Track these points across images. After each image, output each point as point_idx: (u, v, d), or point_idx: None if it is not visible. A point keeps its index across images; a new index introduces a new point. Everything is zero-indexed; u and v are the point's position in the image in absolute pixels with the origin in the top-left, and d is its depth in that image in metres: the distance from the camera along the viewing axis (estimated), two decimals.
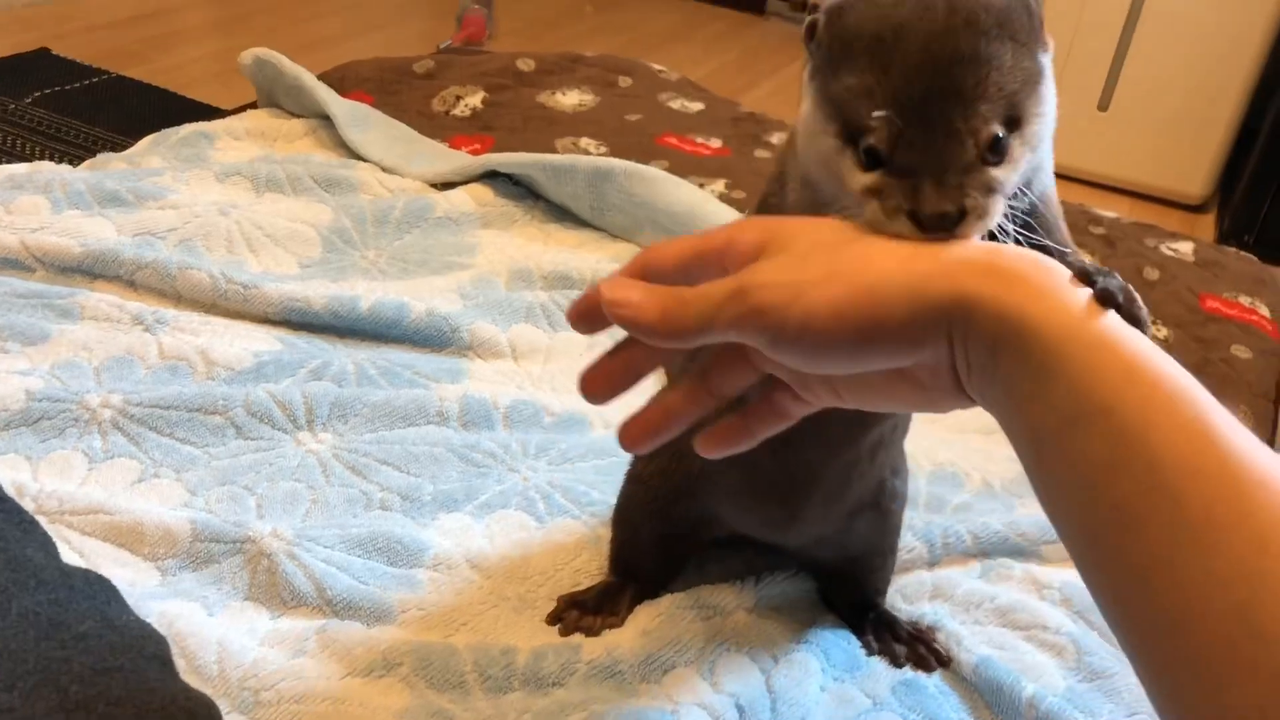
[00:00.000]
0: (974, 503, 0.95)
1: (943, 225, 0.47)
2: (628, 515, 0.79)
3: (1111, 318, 0.44)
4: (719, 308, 0.46)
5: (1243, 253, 1.60)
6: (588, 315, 0.51)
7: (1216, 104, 2.22)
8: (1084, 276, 0.45)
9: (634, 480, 0.77)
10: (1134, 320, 0.45)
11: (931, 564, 0.87)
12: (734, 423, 0.54)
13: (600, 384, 0.52)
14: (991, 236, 0.49)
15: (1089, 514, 0.41)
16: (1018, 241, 0.49)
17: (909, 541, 0.86)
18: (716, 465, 0.69)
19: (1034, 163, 0.52)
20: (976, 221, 0.48)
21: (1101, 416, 0.41)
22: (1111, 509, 0.40)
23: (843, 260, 0.46)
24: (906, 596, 0.82)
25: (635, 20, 2.91)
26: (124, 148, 1.47)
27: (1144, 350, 0.42)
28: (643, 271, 0.50)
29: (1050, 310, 0.43)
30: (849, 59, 0.49)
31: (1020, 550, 0.88)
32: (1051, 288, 0.44)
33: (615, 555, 0.80)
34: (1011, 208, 0.50)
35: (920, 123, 0.47)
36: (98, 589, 0.55)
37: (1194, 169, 2.30)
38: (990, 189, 0.48)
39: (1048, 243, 0.52)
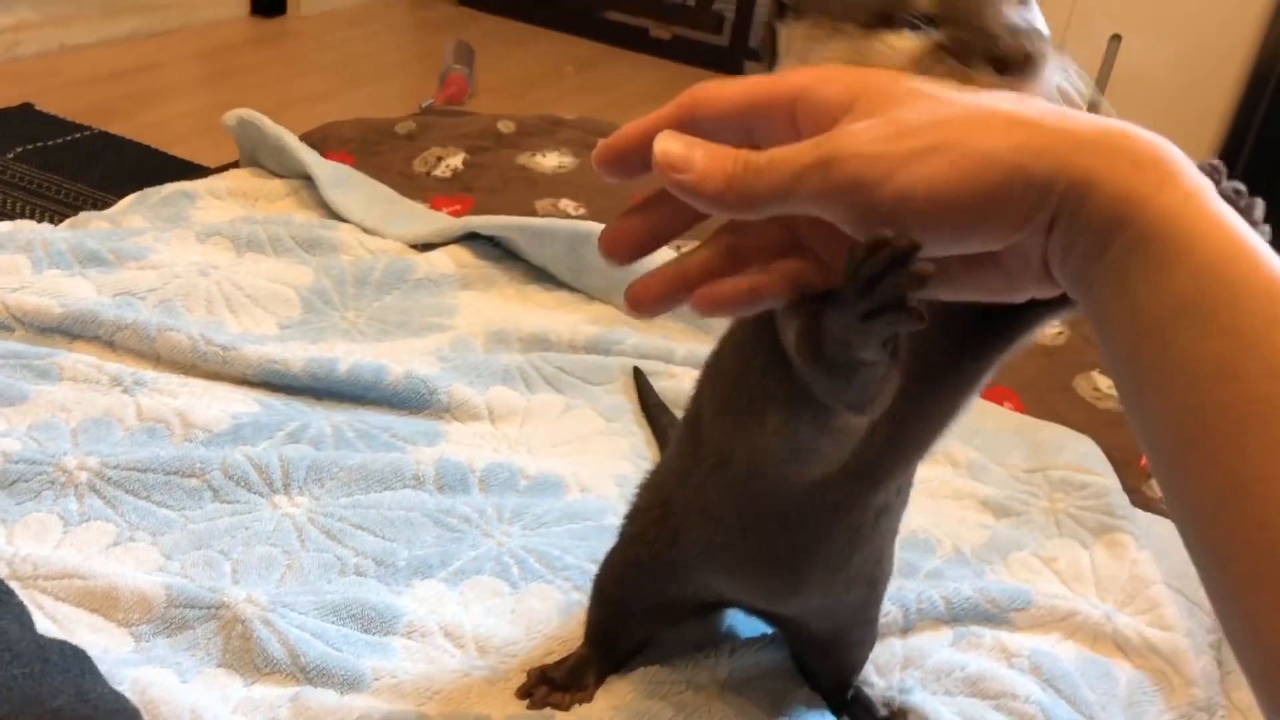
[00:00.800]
0: (945, 569, 0.96)
1: (1025, 67, 0.46)
2: (615, 591, 0.78)
3: (1243, 223, 0.40)
4: (798, 178, 0.40)
5: None
6: (621, 160, 0.45)
7: (1202, 119, 2.26)
8: (1210, 172, 0.43)
9: (625, 562, 0.76)
10: (1254, 210, 0.43)
11: (905, 630, 0.87)
12: (742, 284, 0.46)
13: (622, 244, 0.46)
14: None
15: (1190, 414, 0.37)
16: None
17: (884, 607, 0.86)
18: (718, 541, 0.69)
19: None
20: (1044, 64, 0.46)
21: (1223, 310, 0.37)
22: (1218, 411, 0.36)
23: (945, 132, 0.40)
24: (880, 668, 0.83)
25: (614, 81, 2.95)
26: (106, 204, 1.48)
27: (1276, 261, 0.38)
28: (691, 118, 0.43)
29: (1184, 197, 0.39)
30: None
31: (990, 617, 0.89)
32: (1186, 176, 0.40)
33: (593, 628, 0.80)
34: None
35: None
36: (72, 661, 0.55)
37: None
38: (1037, 33, 0.47)
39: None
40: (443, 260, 1.31)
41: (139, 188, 1.42)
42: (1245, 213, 0.43)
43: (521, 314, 1.26)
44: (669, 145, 0.41)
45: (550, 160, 1.68)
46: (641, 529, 0.75)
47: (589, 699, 0.76)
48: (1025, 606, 0.90)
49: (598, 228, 1.32)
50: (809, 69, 0.45)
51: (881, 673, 0.83)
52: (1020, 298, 0.45)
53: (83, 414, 0.97)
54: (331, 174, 1.44)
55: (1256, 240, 0.38)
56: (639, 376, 1.16)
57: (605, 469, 1.03)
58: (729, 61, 3.08)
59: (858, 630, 0.78)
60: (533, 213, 1.48)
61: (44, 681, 0.51)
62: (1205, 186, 0.39)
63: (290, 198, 1.45)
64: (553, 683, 0.77)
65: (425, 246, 1.35)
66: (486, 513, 0.93)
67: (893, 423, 0.59)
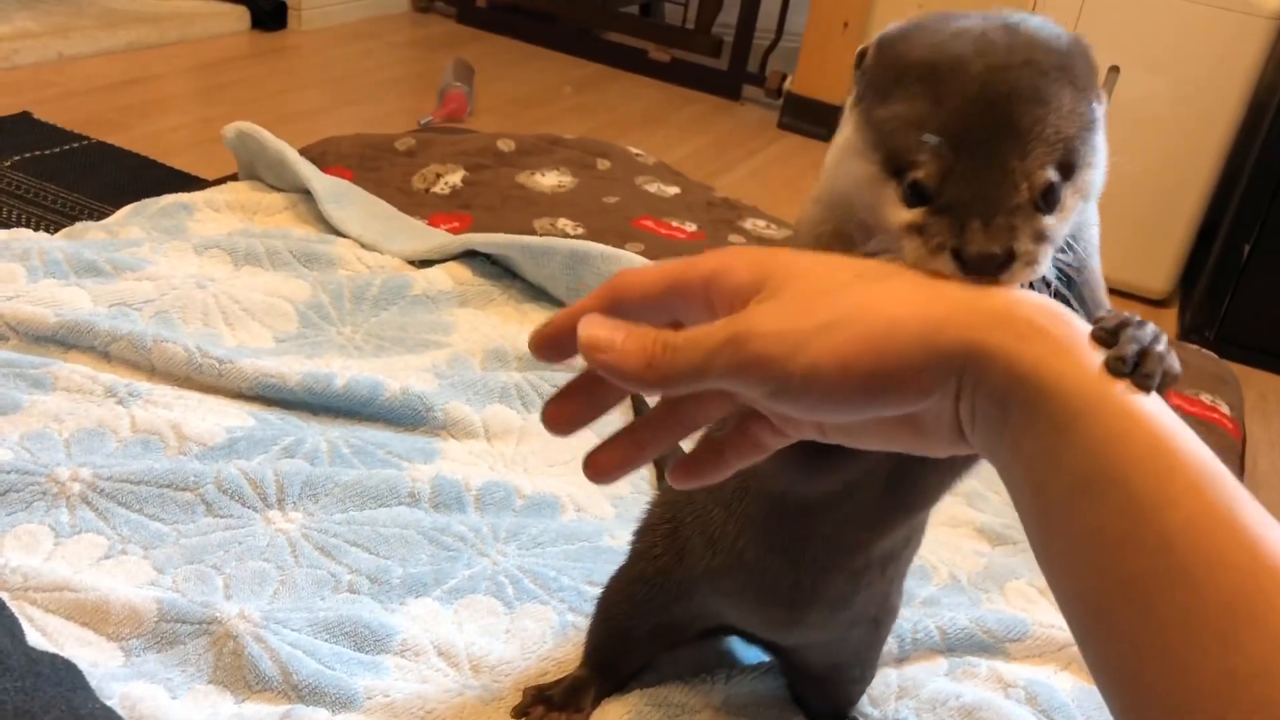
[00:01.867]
0: (941, 597, 0.95)
1: (988, 268, 0.44)
2: (618, 613, 0.77)
3: (1127, 385, 0.40)
4: (711, 356, 0.42)
5: (1204, 350, 1.63)
6: (553, 343, 0.48)
7: (1178, 201, 2.28)
8: (1103, 337, 0.42)
9: (632, 580, 0.75)
10: (1148, 378, 0.41)
11: (900, 659, 0.87)
12: (707, 453, 0.50)
13: (562, 417, 0.49)
14: (1030, 287, 0.46)
15: (1094, 588, 0.39)
16: (1059, 297, 0.46)
17: None
18: (722, 566, 0.69)
19: (1083, 216, 0.49)
20: (1024, 269, 0.45)
21: (1116, 487, 0.38)
22: (1120, 585, 0.38)
23: (848, 304, 0.42)
24: (874, 699, 0.83)
25: (613, 101, 2.96)
26: (103, 214, 1.47)
27: (1168, 424, 0.39)
28: (612, 304, 0.46)
29: (1067, 369, 0.40)
30: (900, 86, 0.47)
31: (986, 647, 0.89)
32: (1070, 344, 0.41)
33: (594, 648, 0.79)
34: (1058, 260, 0.47)
35: (972, 158, 0.45)
36: (64, 675, 0.54)
37: (1157, 265, 2.35)
38: (1041, 236, 0.45)
39: (1086, 300, 0.51)
40: (441, 277, 1.31)
41: (136, 198, 1.42)
42: (1143, 371, 0.41)
43: (519, 332, 1.25)
44: (592, 330, 0.44)
45: (549, 179, 1.68)
46: (649, 545, 0.75)
47: None
48: (1021, 636, 0.90)
49: (596, 247, 1.32)
50: (718, 253, 0.46)
51: (876, 703, 0.83)
52: (939, 454, 0.47)
53: (76, 424, 0.96)
54: (330, 189, 1.44)
55: (1150, 410, 0.39)
56: (636, 397, 1.15)
57: (602, 490, 1.03)
58: (727, 85, 3.09)
59: (857, 668, 0.77)
60: (531, 231, 1.48)
61: (35, 696, 0.50)
62: (1090, 358, 0.40)
63: (288, 211, 1.44)
64: (549, 702, 0.76)
65: (423, 263, 1.35)
66: (482, 531, 0.93)
67: (895, 473, 0.59)
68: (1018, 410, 0.40)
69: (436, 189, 1.60)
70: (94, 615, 0.77)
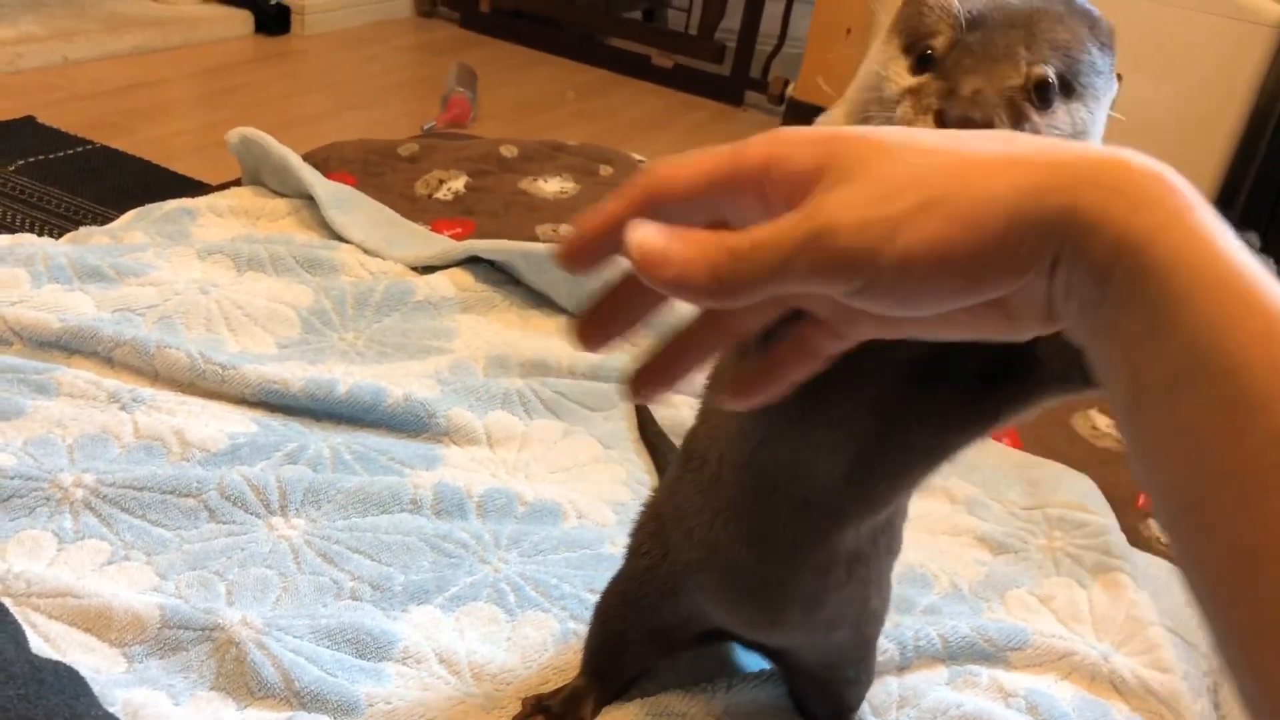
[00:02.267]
0: (942, 605, 0.95)
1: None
2: (613, 616, 0.78)
3: (1256, 267, 0.36)
4: (789, 259, 0.37)
5: None
6: (586, 254, 0.42)
7: (1202, 158, 2.29)
8: None
9: (624, 578, 0.76)
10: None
11: (901, 668, 0.87)
12: (759, 367, 0.46)
13: (596, 332, 0.45)
14: None
15: (1190, 479, 0.35)
16: None
17: (881, 644, 0.86)
18: (699, 560, 0.69)
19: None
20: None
21: (1225, 377, 0.34)
22: (1220, 478, 0.34)
23: (934, 181, 0.38)
24: (875, 707, 0.83)
25: (616, 107, 2.96)
26: (107, 218, 1.47)
27: None
28: (650, 204, 0.40)
29: (1183, 242, 0.36)
30: None
31: (987, 656, 0.89)
32: (1184, 215, 0.36)
33: (591, 655, 0.79)
34: None
35: (981, 37, 0.48)
36: (67, 683, 0.54)
37: None
38: (1021, 120, 0.47)
39: None
40: (443, 283, 1.31)
41: (140, 203, 1.42)
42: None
43: (521, 339, 1.25)
44: (644, 238, 0.38)
45: (552, 185, 1.68)
46: (639, 543, 0.75)
47: None
48: (1022, 646, 0.90)
49: None
50: (768, 137, 0.41)
51: (877, 712, 0.83)
52: (1022, 337, 0.43)
53: (79, 430, 0.97)
54: (333, 194, 1.44)
55: (1260, 284, 0.35)
56: (639, 403, 1.16)
57: (603, 496, 1.03)
58: (729, 91, 3.10)
59: (851, 668, 0.78)
60: (534, 237, 1.48)
61: (38, 704, 0.50)
62: (1208, 232, 0.36)
63: (291, 217, 1.45)
64: (548, 712, 0.76)
65: (426, 269, 1.35)
66: (484, 539, 0.93)
67: (855, 461, 0.59)
68: (1120, 286, 0.36)
69: (439, 195, 1.61)
70: (97, 621, 0.77)
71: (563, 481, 1.04)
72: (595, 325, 0.44)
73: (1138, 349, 0.36)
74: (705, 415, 0.68)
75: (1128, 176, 0.37)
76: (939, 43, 0.49)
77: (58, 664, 0.56)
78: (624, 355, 1.23)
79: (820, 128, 0.42)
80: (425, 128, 2.41)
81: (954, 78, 0.48)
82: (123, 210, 1.42)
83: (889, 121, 0.49)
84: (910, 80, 0.49)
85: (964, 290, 0.38)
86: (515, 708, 0.77)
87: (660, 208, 0.40)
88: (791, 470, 0.61)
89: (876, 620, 0.76)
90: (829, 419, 0.58)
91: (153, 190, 1.69)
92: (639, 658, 0.80)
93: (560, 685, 0.79)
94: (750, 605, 0.70)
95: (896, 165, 0.38)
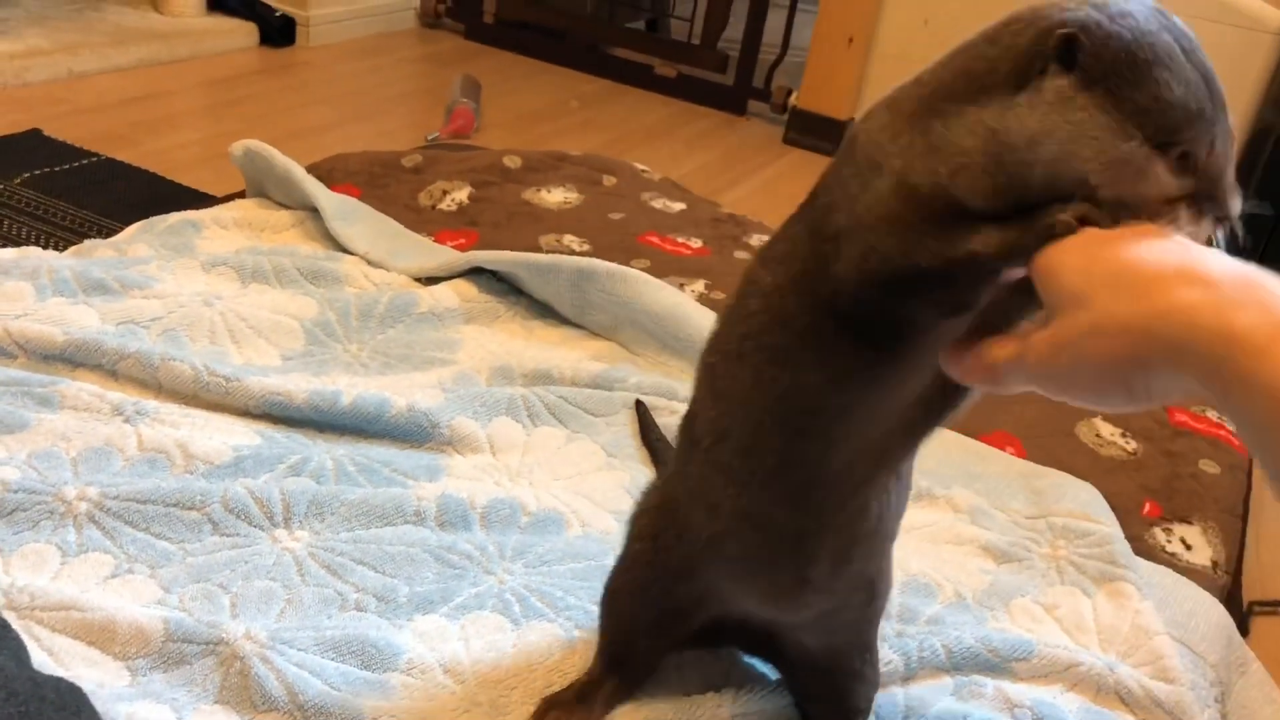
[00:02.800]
0: (946, 615, 0.95)
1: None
2: (623, 603, 0.78)
3: None
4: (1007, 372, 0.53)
5: None
6: None
7: None
8: None
9: (632, 565, 0.76)
10: None
11: (906, 679, 0.87)
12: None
13: None
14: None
15: None
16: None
17: (885, 654, 0.86)
18: (725, 530, 0.69)
19: None
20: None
21: None
22: None
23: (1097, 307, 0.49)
24: (882, 718, 0.82)
25: (620, 117, 2.97)
26: (112, 231, 1.48)
27: None
28: None
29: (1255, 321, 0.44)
30: (1137, 72, 0.52)
31: (992, 666, 0.89)
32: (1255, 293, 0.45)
33: (604, 646, 0.80)
34: None
35: (1223, 134, 0.53)
36: (68, 699, 0.54)
37: None
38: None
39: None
40: (447, 294, 1.32)
41: (145, 215, 1.42)
42: None
43: (525, 349, 1.25)
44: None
45: (555, 196, 1.68)
46: (645, 526, 0.76)
47: None
48: (1027, 656, 0.90)
49: (602, 265, 1.33)
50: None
51: None
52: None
53: (83, 443, 0.97)
54: (338, 206, 1.45)
55: None
56: (640, 409, 1.16)
57: (607, 504, 1.03)
58: (732, 100, 3.10)
59: (856, 657, 0.77)
60: (537, 248, 1.48)
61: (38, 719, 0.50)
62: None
63: (296, 229, 1.45)
64: (563, 705, 0.76)
65: (430, 280, 1.36)
66: (488, 550, 0.93)
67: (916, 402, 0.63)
68: (1234, 388, 0.44)
69: (443, 205, 1.61)
70: (100, 635, 0.77)
71: (566, 489, 1.04)
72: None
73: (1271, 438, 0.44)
74: (716, 397, 0.67)
75: (1217, 286, 0.46)
76: (1198, 150, 0.53)
77: (59, 680, 0.56)
78: (628, 366, 1.23)
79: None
80: (429, 138, 2.42)
81: (1218, 185, 0.54)
82: (128, 222, 1.42)
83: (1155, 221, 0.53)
84: (1178, 183, 0.53)
85: (1108, 396, 0.51)
86: (521, 712, 0.77)
87: None
88: (844, 433, 0.62)
89: (886, 585, 0.76)
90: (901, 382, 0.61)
91: (158, 202, 1.70)
92: (652, 646, 0.80)
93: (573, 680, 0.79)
94: (780, 568, 0.69)
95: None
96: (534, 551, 0.94)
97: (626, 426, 1.15)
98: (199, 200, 1.76)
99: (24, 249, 1.27)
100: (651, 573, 0.75)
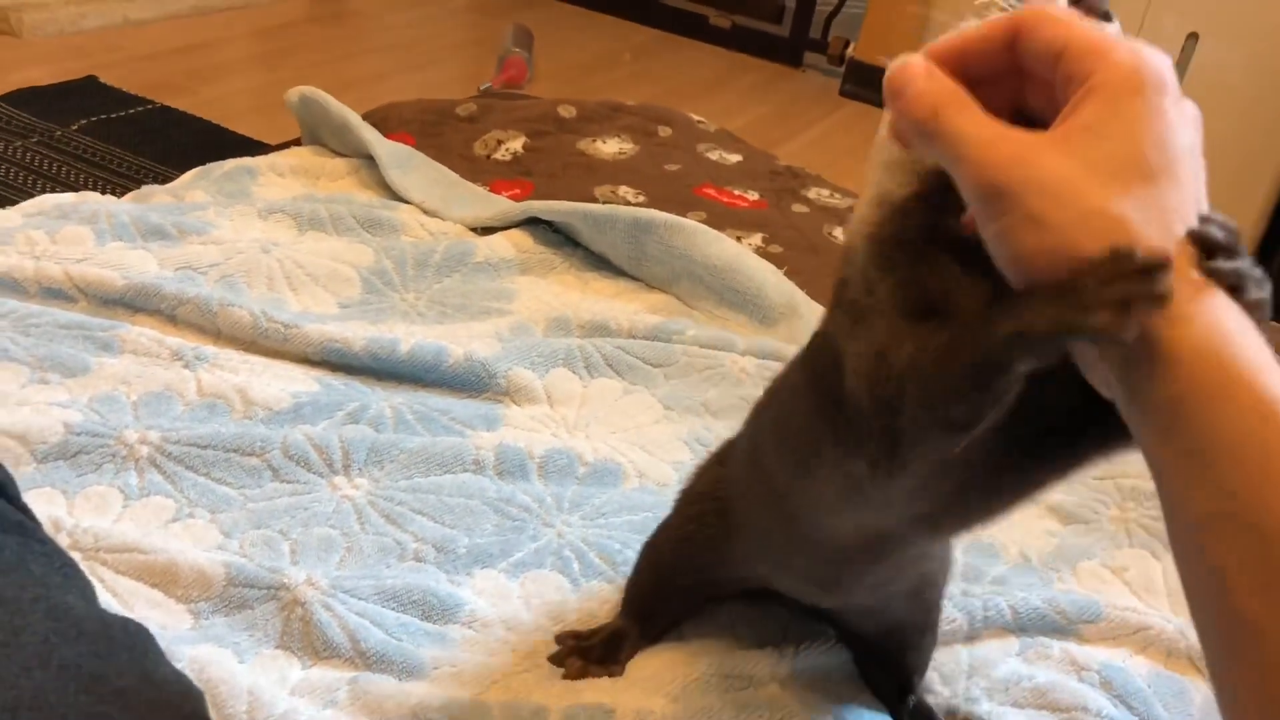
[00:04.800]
0: (1010, 576, 0.93)
1: None
2: (664, 565, 0.77)
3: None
4: (960, 172, 0.42)
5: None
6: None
7: (1254, 173, 2.22)
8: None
9: (680, 536, 0.75)
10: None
11: (970, 638, 0.85)
12: None
13: None
14: None
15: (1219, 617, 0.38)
16: None
17: (949, 613, 0.84)
18: (766, 532, 0.68)
19: None
20: None
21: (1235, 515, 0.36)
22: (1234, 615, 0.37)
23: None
24: (944, 676, 0.81)
25: (672, 69, 2.93)
26: (167, 178, 1.48)
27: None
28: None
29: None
30: None
31: (1059, 628, 0.87)
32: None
33: (634, 598, 0.79)
34: None
35: None
36: (136, 640, 0.54)
37: None
38: None
39: None
40: (502, 244, 1.30)
41: (199, 162, 1.42)
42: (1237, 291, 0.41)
43: (581, 301, 1.24)
44: (907, 64, 0.45)
45: (610, 146, 1.66)
46: (699, 513, 0.74)
47: (621, 673, 0.75)
48: (1095, 619, 0.88)
49: (659, 215, 1.31)
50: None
51: (946, 681, 0.81)
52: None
53: (143, 388, 0.97)
54: (393, 154, 1.43)
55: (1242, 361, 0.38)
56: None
57: (664, 455, 1.02)
58: (788, 51, 3.05)
59: (914, 634, 0.76)
60: (592, 199, 1.46)
61: (109, 660, 0.50)
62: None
63: (351, 177, 1.44)
64: (586, 654, 0.76)
65: (485, 230, 1.34)
66: (546, 501, 0.92)
67: (966, 481, 0.55)
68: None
69: (498, 155, 1.59)
70: (163, 577, 0.77)
71: (623, 439, 1.03)
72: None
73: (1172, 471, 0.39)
74: (776, 446, 0.65)
75: None
76: None
77: (127, 621, 0.56)
78: (685, 319, 1.22)
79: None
80: (482, 89, 2.40)
81: None
82: (183, 169, 1.42)
83: None
84: None
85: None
86: None
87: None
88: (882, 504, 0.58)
89: (934, 585, 0.74)
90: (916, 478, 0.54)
91: (212, 149, 1.70)
92: (682, 605, 0.80)
93: (598, 626, 0.79)
94: (817, 565, 0.68)
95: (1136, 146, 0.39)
96: (591, 503, 0.93)
97: (682, 378, 1.13)
98: (253, 148, 1.76)
99: (83, 194, 1.27)
100: (697, 552, 0.74)
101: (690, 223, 1.30)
